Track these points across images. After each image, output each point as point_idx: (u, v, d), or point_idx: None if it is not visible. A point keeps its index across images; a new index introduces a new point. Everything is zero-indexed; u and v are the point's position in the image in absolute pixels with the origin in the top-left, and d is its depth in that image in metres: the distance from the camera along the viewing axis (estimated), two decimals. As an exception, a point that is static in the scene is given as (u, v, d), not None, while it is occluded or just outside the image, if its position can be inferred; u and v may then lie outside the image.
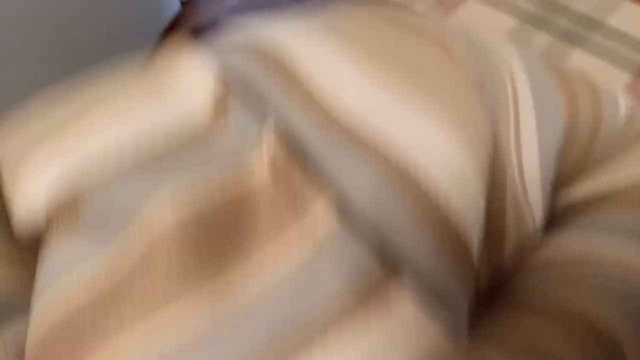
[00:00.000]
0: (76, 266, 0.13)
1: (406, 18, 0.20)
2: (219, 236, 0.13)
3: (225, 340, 0.12)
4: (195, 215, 0.13)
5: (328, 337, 0.11)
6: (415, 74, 0.17)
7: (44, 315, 0.13)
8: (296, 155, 0.14)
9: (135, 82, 0.16)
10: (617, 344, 0.14)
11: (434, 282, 0.13)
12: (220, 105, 0.15)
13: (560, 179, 0.24)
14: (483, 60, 0.20)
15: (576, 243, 0.18)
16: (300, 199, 0.13)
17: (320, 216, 0.13)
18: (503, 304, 0.16)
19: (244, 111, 0.15)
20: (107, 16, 1.06)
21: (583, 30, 0.43)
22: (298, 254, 0.13)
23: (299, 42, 0.17)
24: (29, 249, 0.16)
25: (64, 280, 0.13)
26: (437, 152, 0.15)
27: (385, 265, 0.13)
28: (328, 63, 0.17)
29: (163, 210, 0.13)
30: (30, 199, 0.14)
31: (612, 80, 0.41)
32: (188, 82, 0.16)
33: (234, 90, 0.15)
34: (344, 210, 0.13)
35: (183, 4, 1.53)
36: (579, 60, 0.43)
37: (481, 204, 0.16)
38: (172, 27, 1.40)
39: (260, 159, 0.14)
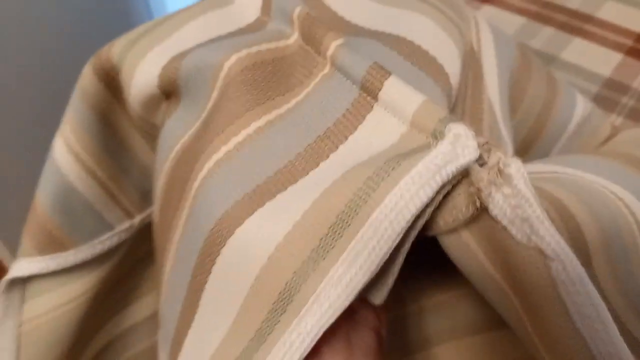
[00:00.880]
0: (180, 123, 0.21)
1: None
2: (270, 76, 0.19)
3: (280, 134, 0.18)
4: (253, 64, 0.19)
5: (333, 140, 0.17)
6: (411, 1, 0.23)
7: (164, 162, 0.21)
8: (319, 24, 0.20)
9: (205, 3, 0.24)
10: (577, 220, 0.17)
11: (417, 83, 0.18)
12: (266, 7, 0.22)
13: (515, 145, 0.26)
14: (454, 3, 0.26)
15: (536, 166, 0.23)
16: (321, 49, 0.19)
17: (331, 54, 0.19)
18: None
19: (280, 9, 0.22)
20: (98, 29, 1.07)
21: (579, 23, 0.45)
22: (318, 88, 0.19)
23: None
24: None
25: (172, 140, 0.21)
26: (432, 34, 0.21)
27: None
28: None
29: (234, 62, 0.19)
30: (148, 71, 0.21)
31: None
32: None
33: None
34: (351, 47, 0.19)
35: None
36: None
37: (458, 64, 0.21)
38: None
39: (293, 30, 0.21)
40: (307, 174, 0.17)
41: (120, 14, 1.17)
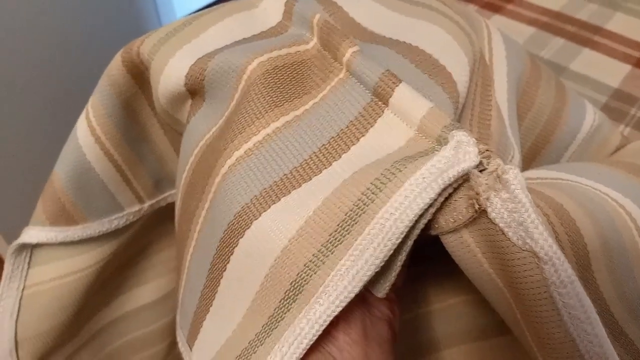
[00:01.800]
0: (203, 122, 0.22)
1: None
2: (289, 79, 0.20)
3: (296, 134, 0.19)
4: (274, 68, 0.20)
5: (341, 145, 0.18)
6: (422, 9, 0.24)
7: (189, 157, 0.22)
8: (336, 31, 0.21)
9: (231, 6, 0.25)
10: (577, 225, 0.18)
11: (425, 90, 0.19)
12: (288, 12, 0.23)
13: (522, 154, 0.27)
14: (467, 12, 0.27)
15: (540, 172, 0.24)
16: (337, 55, 0.20)
17: (347, 60, 0.20)
18: None
19: (301, 15, 0.23)
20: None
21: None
22: (333, 91, 0.20)
23: None
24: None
25: (197, 136, 0.22)
26: (443, 43, 0.22)
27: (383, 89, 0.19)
28: (359, 3, 0.25)
29: (256, 66, 0.20)
30: (176, 70, 0.22)
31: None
32: (269, 1, 0.24)
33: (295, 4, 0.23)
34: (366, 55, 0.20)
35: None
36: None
37: (467, 72, 0.22)
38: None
39: (312, 35, 0.22)
40: (321, 172, 0.18)
41: (128, 10, 1.18)
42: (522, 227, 0.14)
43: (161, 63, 0.23)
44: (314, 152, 0.18)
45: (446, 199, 0.16)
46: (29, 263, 0.27)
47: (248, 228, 0.17)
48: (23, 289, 0.27)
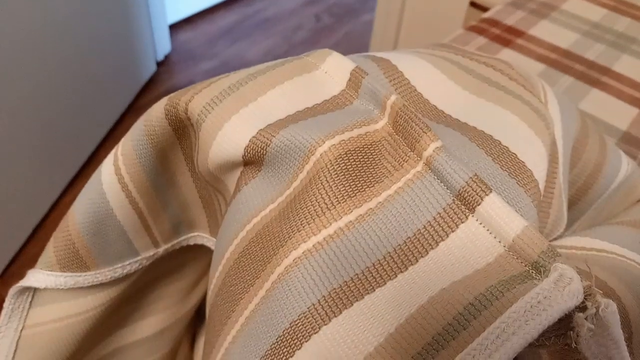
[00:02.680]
0: (260, 197, 0.20)
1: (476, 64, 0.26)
2: (360, 166, 0.19)
3: (370, 230, 0.17)
4: (346, 153, 0.19)
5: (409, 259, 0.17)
6: (495, 90, 0.23)
7: (239, 230, 0.20)
8: (417, 121, 0.19)
9: (291, 67, 0.23)
10: (625, 309, 0.18)
11: (512, 197, 0.18)
12: (354, 83, 0.22)
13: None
14: (528, 77, 0.26)
15: (578, 240, 0.24)
16: (416, 146, 0.19)
17: (428, 155, 0.18)
18: None
19: (370, 92, 0.21)
20: (87, 73, 1.06)
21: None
22: (409, 185, 0.18)
23: (399, 57, 0.24)
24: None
25: (250, 209, 0.20)
26: (521, 134, 0.21)
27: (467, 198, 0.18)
28: (426, 74, 0.23)
29: (327, 149, 0.19)
30: (234, 138, 0.20)
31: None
32: (331, 64, 0.23)
33: (362, 74, 0.21)
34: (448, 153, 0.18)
35: (158, 65, 1.54)
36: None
37: (543, 168, 0.21)
38: (148, 87, 1.41)
39: (382, 114, 0.20)
40: (396, 276, 0.16)
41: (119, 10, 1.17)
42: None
43: (215, 126, 0.21)
44: (389, 253, 0.17)
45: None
46: (30, 303, 0.25)
47: (307, 341, 0.16)
48: (22, 330, 0.25)
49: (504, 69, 0.25)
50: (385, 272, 0.16)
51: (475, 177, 0.17)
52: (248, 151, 0.20)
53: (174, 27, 1.58)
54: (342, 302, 0.16)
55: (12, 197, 0.89)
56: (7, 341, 0.25)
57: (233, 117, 0.21)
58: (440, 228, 0.17)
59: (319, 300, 0.16)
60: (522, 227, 0.16)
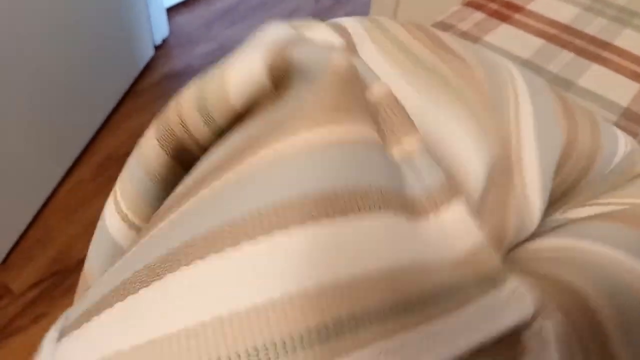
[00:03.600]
0: None
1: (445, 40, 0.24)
2: None
3: None
4: None
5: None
6: (447, 87, 0.21)
7: None
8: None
9: None
10: (596, 313, 0.18)
11: None
12: None
13: (552, 197, 0.26)
14: (494, 77, 0.24)
15: (558, 241, 0.23)
16: (398, 133, 0.17)
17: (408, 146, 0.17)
18: None
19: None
20: (85, 58, 1.05)
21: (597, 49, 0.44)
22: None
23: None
24: None
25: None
26: (464, 144, 0.20)
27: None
28: (376, 63, 0.21)
29: None
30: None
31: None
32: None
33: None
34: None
35: (156, 49, 1.52)
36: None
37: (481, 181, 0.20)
38: (146, 71, 1.39)
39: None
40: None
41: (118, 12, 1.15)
42: None
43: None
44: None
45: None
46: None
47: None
48: None
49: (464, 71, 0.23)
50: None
51: (447, 180, 0.17)
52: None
53: (171, 11, 1.56)
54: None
55: (12, 183, 0.89)
56: None
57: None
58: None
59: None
60: (480, 241, 0.16)
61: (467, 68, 0.23)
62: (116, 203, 0.22)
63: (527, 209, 0.23)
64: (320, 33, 0.22)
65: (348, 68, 0.16)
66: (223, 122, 0.19)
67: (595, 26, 0.50)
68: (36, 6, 0.87)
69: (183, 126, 0.20)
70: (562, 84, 0.44)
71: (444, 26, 0.49)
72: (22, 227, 0.95)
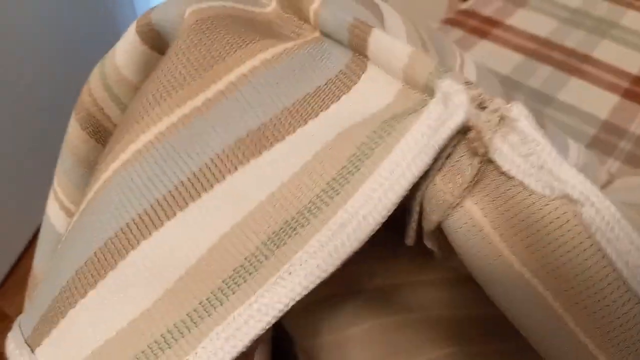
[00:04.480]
0: None
1: None
2: (249, 24, 0.17)
3: (265, 84, 0.15)
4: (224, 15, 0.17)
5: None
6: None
7: None
8: None
9: None
10: None
11: None
12: None
13: None
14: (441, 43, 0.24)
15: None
16: (305, 15, 0.17)
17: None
18: None
19: None
20: (76, 70, 1.06)
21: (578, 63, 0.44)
22: (310, 44, 0.17)
23: None
24: None
25: None
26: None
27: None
28: None
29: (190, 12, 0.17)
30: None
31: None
32: None
33: None
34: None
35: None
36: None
37: None
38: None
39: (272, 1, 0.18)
40: (295, 131, 0.15)
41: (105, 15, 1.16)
42: (544, 170, 0.12)
43: None
44: (287, 108, 0.15)
45: (446, 165, 0.13)
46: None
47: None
48: None
49: None
50: (283, 128, 0.15)
51: (355, 20, 0.16)
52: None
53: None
54: (245, 155, 0.15)
55: (12, 200, 0.89)
56: None
57: None
58: (342, 83, 0.16)
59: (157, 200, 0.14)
60: (409, 53, 0.15)
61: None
62: (54, 190, 0.22)
63: None
64: None
65: (201, 19, 0.16)
66: (123, 96, 0.19)
67: (573, 38, 0.51)
68: (27, 17, 0.88)
69: (96, 105, 0.20)
70: (542, 99, 0.45)
71: (424, 44, 0.50)
72: (19, 251, 0.96)
